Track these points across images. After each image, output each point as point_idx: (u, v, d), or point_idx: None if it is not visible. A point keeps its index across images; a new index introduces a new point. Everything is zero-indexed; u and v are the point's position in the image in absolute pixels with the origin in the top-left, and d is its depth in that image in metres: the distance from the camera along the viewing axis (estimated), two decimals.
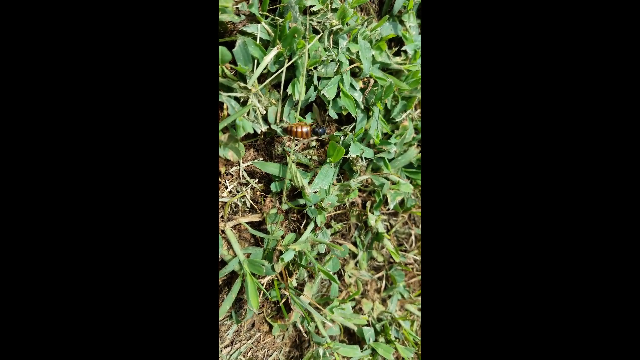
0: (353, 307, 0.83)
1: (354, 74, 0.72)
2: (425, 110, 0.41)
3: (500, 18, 0.38)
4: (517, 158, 0.38)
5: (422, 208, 0.79)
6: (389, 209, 0.84)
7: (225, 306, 0.57)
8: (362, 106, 0.71)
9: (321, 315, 0.70)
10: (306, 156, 0.71)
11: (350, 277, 0.80)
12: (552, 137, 0.37)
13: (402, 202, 0.84)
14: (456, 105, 0.39)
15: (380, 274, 0.87)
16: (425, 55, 0.41)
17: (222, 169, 0.61)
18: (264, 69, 0.56)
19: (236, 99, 0.56)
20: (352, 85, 0.69)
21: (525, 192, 0.37)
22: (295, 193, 0.70)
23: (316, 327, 0.71)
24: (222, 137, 0.55)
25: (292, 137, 0.62)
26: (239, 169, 0.65)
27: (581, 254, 0.36)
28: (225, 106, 0.57)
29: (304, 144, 0.71)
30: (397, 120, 0.75)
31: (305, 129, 0.60)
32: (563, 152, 0.37)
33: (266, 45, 0.58)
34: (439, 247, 0.38)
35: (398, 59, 0.77)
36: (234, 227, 0.65)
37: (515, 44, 0.38)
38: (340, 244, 0.76)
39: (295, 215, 0.72)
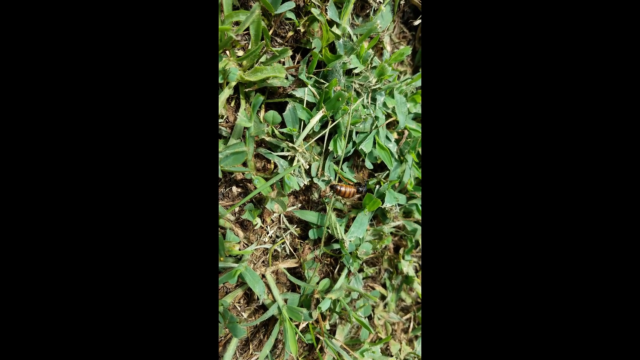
0: (381, 348, 0.84)
1: (389, 124, 0.76)
2: (426, 116, 0.42)
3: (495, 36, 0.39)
4: (516, 170, 0.38)
5: (422, 215, 0.80)
6: (419, 251, 0.86)
7: (265, 351, 0.60)
8: (396, 156, 0.74)
9: (351, 357, 0.72)
10: (340, 201, 0.75)
11: (379, 319, 0.82)
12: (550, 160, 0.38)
13: None
14: (456, 114, 0.40)
15: (408, 315, 0.88)
16: (426, 64, 0.43)
17: (267, 217, 0.66)
18: (310, 130, 0.60)
19: (283, 157, 0.60)
20: (387, 137, 0.73)
21: (524, 208, 0.38)
22: (332, 240, 0.74)
23: None
24: (271, 193, 0.59)
25: (339, 196, 0.67)
26: (280, 216, 0.69)
27: (581, 259, 0.36)
28: (272, 163, 0.61)
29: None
30: None
31: (351, 190, 0.65)
32: (562, 168, 0.37)
33: (311, 106, 0.62)
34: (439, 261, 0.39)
35: None
36: (272, 271, 0.68)
37: (516, 61, 0.39)
38: (372, 288, 0.78)
39: (329, 259, 0.75)
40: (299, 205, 0.71)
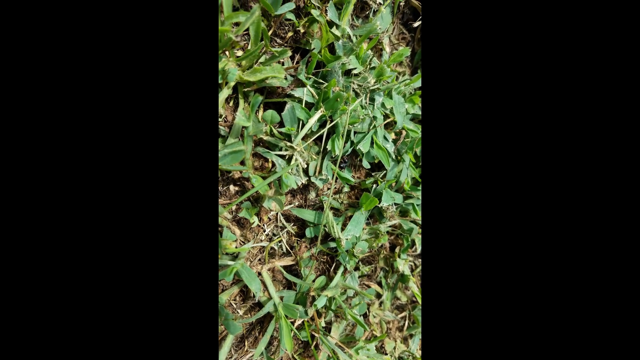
0: (376, 346, 0.85)
1: (387, 125, 0.76)
2: (426, 119, 0.43)
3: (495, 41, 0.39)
4: (515, 173, 0.39)
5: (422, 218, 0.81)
6: (414, 250, 0.86)
7: (260, 347, 0.61)
8: (393, 156, 0.75)
9: (346, 354, 0.73)
10: (337, 200, 0.75)
11: (374, 317, 0.83)
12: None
13: None
14: (456, 117, 0.40)
15: (403, 314, 0.89)
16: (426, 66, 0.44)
17: (264, 216, 0.66)
18: (308, 129, 0.60)
19: (281, 156, 0.61)
20: (385, 137, 0.73)
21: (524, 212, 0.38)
22: (329, 238, 0.74)
23: None
24: (269, 192, 0.60)
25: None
26: (277, 214, 0.70)
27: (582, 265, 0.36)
28: (270, 162, 0.62)
29: (335, 187, 0.76)
30: None
31: None
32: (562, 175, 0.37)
33: (310, 106, 0.63)
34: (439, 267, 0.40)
35: None
36: (269, 269, 0.69)
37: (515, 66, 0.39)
38: (367, 286, 0.79)
39: (325, 257, 0.76)
40: (297, 203, 0.71)
